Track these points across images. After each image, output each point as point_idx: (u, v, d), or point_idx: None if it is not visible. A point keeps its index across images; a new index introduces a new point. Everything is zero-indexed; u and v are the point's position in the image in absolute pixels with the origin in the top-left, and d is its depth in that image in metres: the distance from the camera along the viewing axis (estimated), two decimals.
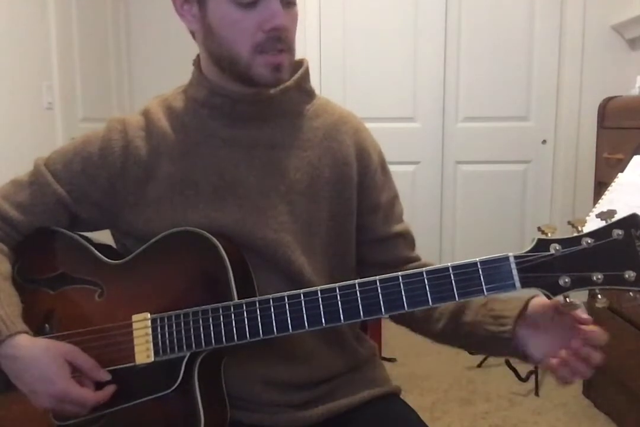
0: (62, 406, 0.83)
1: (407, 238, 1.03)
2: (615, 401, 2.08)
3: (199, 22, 0.89)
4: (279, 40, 0.86)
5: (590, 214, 1.15)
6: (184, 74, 1.06)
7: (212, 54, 0.91)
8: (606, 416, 2.14)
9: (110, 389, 0.85)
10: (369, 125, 1.03)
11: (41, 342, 0.86)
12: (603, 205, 1.15)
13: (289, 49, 0.88)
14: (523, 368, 2.43)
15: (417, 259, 1.03)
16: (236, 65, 0.88)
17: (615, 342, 2.20)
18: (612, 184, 1.18)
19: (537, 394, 2.34)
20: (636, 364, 1.86)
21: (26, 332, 0.85)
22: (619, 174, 1.21)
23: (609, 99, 2.26)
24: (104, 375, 0.85)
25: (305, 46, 3.10)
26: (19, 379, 0.84)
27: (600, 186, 2.14)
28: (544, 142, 3.13)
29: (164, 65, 3.16)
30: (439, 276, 0.74)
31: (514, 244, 3.15)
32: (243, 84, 0.90)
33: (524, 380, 2.40)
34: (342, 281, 0.79)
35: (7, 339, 0.83)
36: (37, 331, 0.89)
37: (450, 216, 3.25)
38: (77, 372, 0.84)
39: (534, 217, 3.18)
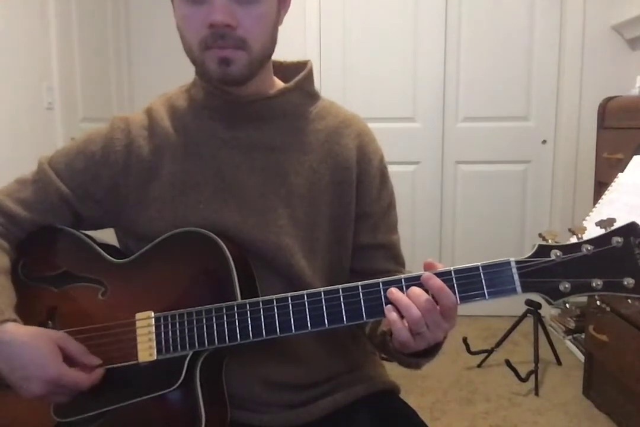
0: (55, 390, 0.82)
1: (389, 251, 1.01)
2: (615, 401, 2.08)
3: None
4: (222, 37, 0.83)
5: (590, 214, 1.15)
6: (184, 74, 1.06)
7: (185, 52, 0.90)
8: (606, 416, 2.14)
9: (100, 371, 0.85)
10: (369, 125, 1.02)
11: (31, 328, 0.85)
12: (603, 205, 1.15)
13: (242, 46, 0.84)
14: (523, 368, 2.44)
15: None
16: (194, 62, 0.89)
17: (615, 342, 2.21)
18: (612, 184, 1.19)
19: (537, 394, 2.35)
20: (636, 364, 1.87)
21: (15, 321, 0.85)
22: (619, 174, 1.21)
23: (609, 99, 2.26)
24: (94, 360, 0.85)
25: (305, 46, 3.11)
26: (9, 366, 0.82)
27: (600, 186, 2.15)
28: (544, 142, 3.13)
29: (164, 65, 3.16)
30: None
31: (513, 245, 3.16)
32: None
33: (524, 380, 2.40)
34: (340, 284, 0.79)
35: None
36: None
37: (450, 216, 3.25)
38: (67, 359, 0.84)
39: (534, 217, 3.19)
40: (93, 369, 0.85)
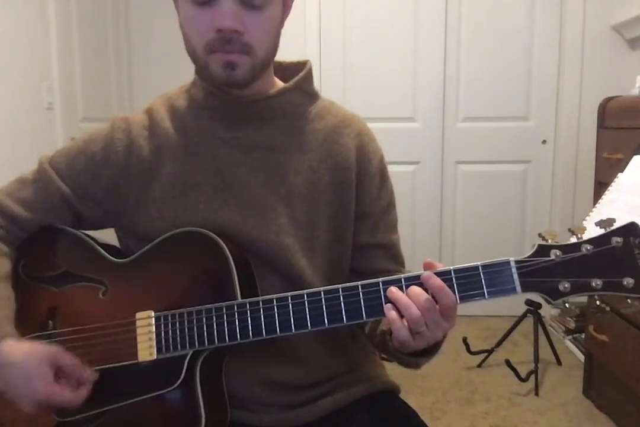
0: (47, 408, 0.83)
1: (389, 250, 1.01)
2: (615, 401, 2.08)
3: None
4: (229, 41, 0.83)
5: (590, 214, 1.16)
6: (184, 74, 1.06)
7: (187, 53, 0.90)
8: (606, 416, 2.14)
9: (88, 388, 0.84)
10: (369, 125, 1.02)
11: (24, 346, 0.84)
12: (603, 205, 1.15)
13: (248, 51, 0.85)
14: (523, 368, 2.44)
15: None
16: (197, 64, 0.89)
17: (615, 342, 2.21)
18: (612, 184, 1.19)
19: (537, 394, 2.35)
20: (636, 364, 1.87)
21: (11, 336, 0.85)
22: (619, 174, 1.21)
23: (609, 99, 2.26)
24: (90, 374, 0.84)
25: (305, 46, 3.11)
26: (2, 383, 0.83)
27: (600, 186, 2.15)
28: (544, 142, 3.13)
29: (164, 65, 3.16)
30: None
31: (513, 245, 3.16)
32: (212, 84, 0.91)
33: (524, 380, 2.40)
34: (340, 283, 0.79)
35: None
36: (40, 327, 0.89)
37: (450, 216, 3.25)
38: (61, 373, 0.84)
39: (534, 217, 3.19)
40: (88, 381, 0.84)
